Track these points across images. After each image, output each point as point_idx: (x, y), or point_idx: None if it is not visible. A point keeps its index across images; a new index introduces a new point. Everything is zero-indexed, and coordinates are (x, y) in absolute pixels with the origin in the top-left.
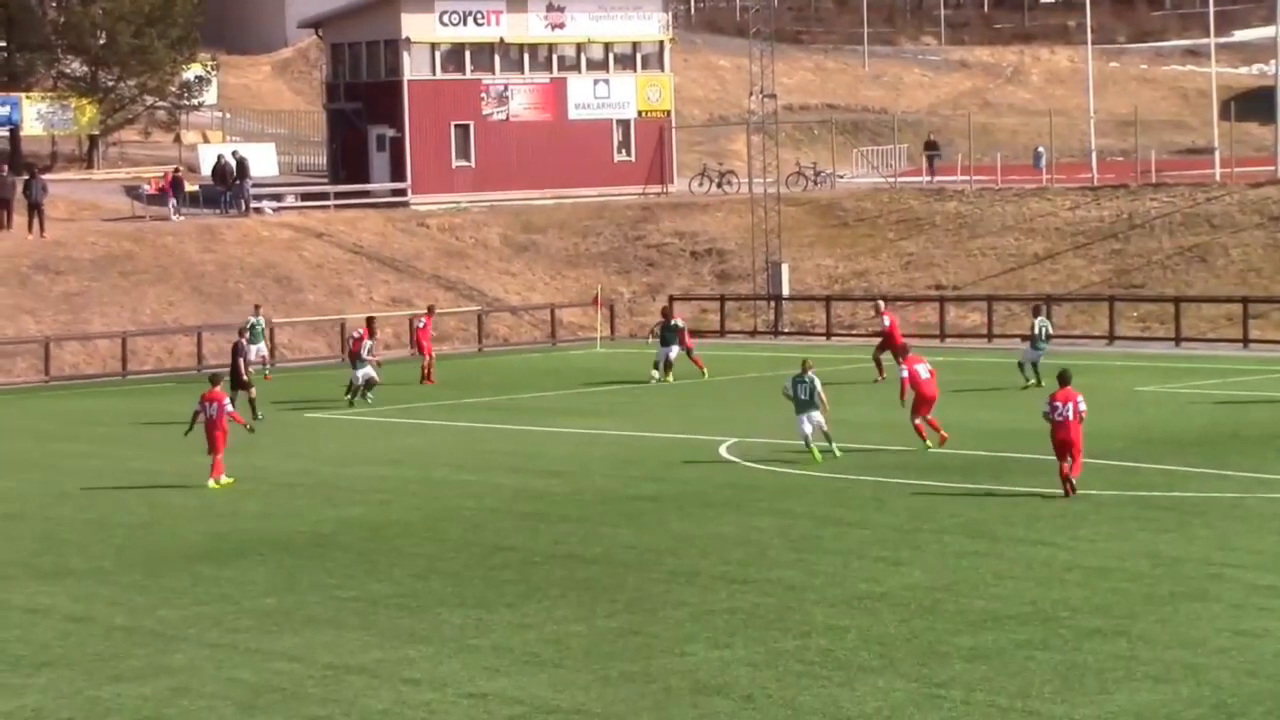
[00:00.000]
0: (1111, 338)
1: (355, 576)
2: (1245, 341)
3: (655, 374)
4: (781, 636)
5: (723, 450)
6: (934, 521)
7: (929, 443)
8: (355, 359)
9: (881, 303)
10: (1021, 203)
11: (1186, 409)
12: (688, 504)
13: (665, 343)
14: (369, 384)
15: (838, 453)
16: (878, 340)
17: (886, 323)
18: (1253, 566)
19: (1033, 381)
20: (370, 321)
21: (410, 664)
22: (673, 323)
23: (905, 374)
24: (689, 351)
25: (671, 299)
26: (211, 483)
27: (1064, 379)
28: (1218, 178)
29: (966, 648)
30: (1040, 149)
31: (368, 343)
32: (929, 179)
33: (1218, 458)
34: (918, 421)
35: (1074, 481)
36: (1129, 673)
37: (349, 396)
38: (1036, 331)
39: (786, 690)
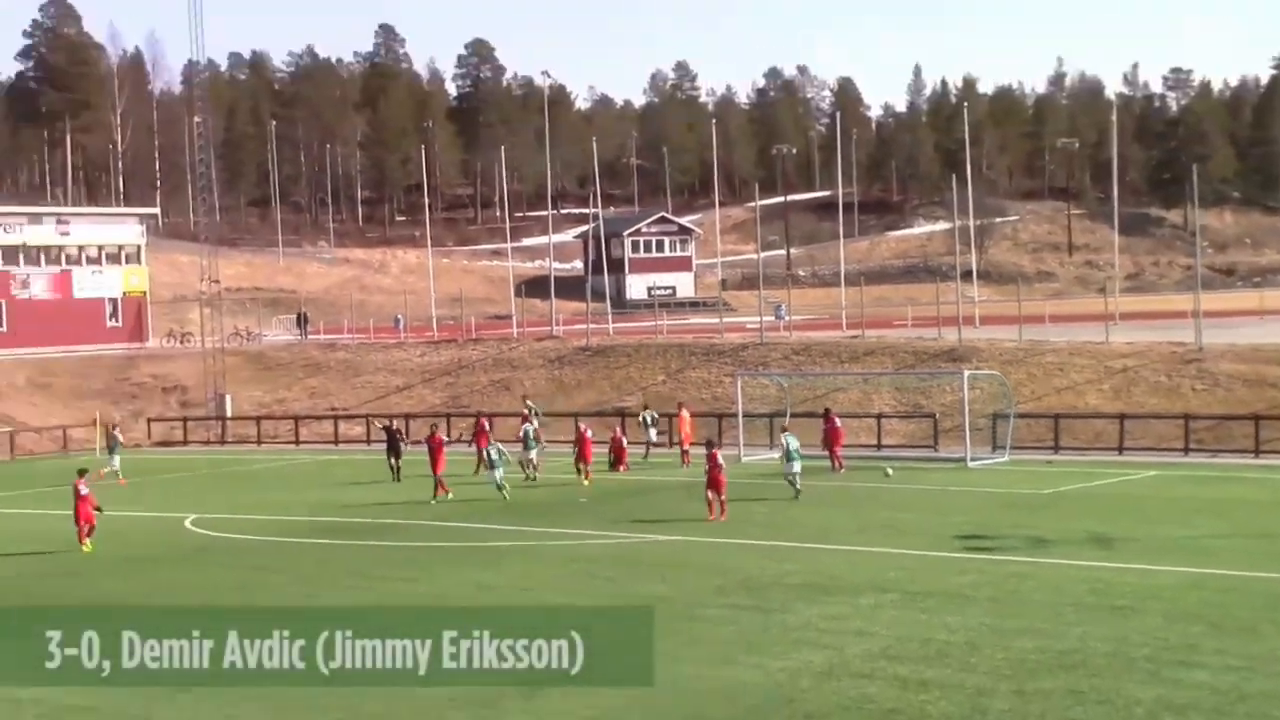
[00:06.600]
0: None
1: None
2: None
3: None
4: None
5: (187, 523)
6: None
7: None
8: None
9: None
10: (387, 352)
11: None
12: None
13: None
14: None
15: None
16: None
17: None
18: None
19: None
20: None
21: None
22: None
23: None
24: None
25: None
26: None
27: None
28: (515, 335)
29: None
30: (399, 316)
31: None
32: (301, 338)
33: None
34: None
35: None
36: None
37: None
38: (789, 446)
39: None
